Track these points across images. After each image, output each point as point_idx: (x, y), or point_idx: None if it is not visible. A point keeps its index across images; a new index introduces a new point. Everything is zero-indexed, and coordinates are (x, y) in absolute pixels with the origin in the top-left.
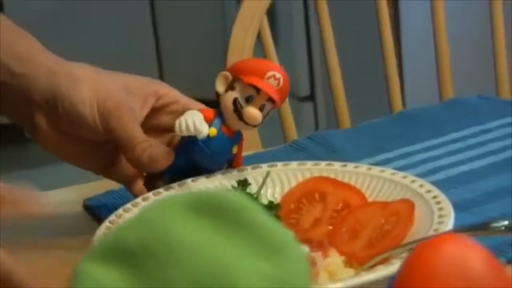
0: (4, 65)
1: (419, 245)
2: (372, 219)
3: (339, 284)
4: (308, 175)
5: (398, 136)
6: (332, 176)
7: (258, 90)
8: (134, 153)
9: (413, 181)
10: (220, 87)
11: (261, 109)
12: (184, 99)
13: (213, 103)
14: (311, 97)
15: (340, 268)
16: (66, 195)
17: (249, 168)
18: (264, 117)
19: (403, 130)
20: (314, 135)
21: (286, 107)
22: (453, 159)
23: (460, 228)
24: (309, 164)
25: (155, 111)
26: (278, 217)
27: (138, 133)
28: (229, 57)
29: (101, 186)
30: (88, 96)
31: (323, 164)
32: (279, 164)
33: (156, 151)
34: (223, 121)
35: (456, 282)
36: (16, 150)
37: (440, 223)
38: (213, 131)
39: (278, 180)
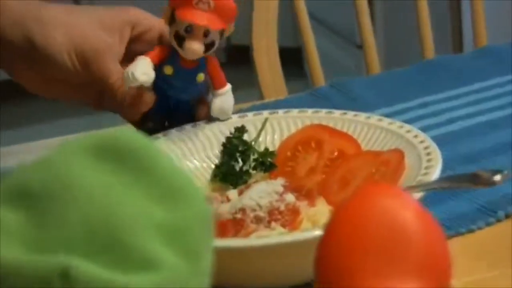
0: None
1: (352, 195)
2: (363, 168)
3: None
4: (307, 123)
5: (420, 85)
6: (331, 124)
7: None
8: (117, 95)
9: (408, 131)
10: (165, 20)
11: (206, 35)
12: (159, 24)
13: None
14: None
15: (325, 218)
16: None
17: (250, 114)
18: (211, 45)
19: (426, 79)
20: (335, 82)
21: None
22: (471, 109)
23: (442, 179)
24: (309, 111)
25: (132, 41)
26: (273, 164)
27: (119, 73)
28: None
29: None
30: (65, 44)
31: (323, 112)
32: (280, 111)
33: (136, 92)
34: (178, 55)
35: (384, 232)
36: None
37: (425, 174)
38: (168, 69)
39: (278, 127)
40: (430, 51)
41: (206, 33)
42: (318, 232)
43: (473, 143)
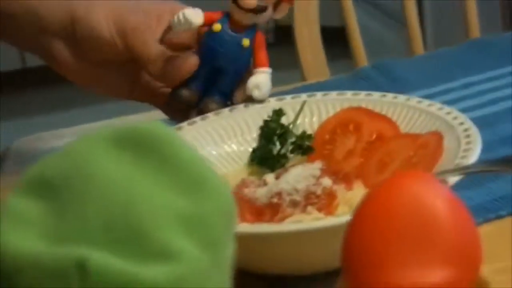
0: None
1: (382, 182)
2: (401, 151)
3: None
4: (346, 105)
5: (462, 65)
6: (370, 106)
7: None
8: (156, 66)
9: (448, 113)
10: None
11: None
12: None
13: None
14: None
15: None
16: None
17: (288, 97)
18: (263, 9)
19: (470, 59)
20: (377, 63)
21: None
22: None
23: (479, 162)
24: (348, 94)
25: (169, 29)
26: (310, 147)
27: (158, 47)
28: None
29: (141, 118)
30: (105, 18)
31: (362, 94)
32: (319, 94)
33: (179, 59)
34: (229, 18)
35: (413, 220)
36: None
37: (464, 157)
38: (217, 26)
39: (316, 110)
40: (475, 30)
41: None
42: (345, 219)
43: None
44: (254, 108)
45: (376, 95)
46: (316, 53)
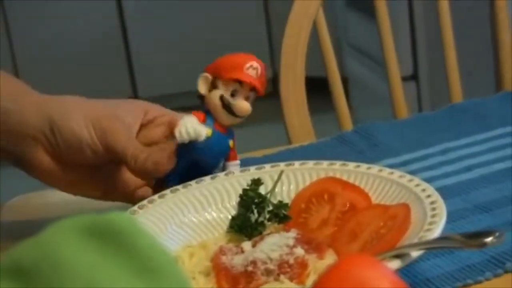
0: None
1: (329, 266)
2: (372, 221)
3: None
4: (322, 175)
5: (442, 130)
6: (345, 176)
7: (241, 83)
8: (137, 162)
9: (417, 185)
10: (202, 88)
11: (246, 99)
12: (168, 111)
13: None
14: (415, 77)
15: None
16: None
17: (267, 166)
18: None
19: (452, 123)
20: (359, 128)
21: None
22: (492, 156)
23: (438, 239)
24: (325, 164)
25: (144, 126)
26: (287, 216)
27: (136, 144)
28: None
29: None
30: (83, 120)
31: (337, 164)
32: (296, 163)
33: (158, 156)
34: (214, 120)
35: None
36: None
37: (428, 230)
38: (209, 131)
39: (293, 178)
40: (458, 95)
41: (247, 98)
42: None
43: (488, 192)
44: (234, 176)
45: (350, 165)
46: (302, 113)
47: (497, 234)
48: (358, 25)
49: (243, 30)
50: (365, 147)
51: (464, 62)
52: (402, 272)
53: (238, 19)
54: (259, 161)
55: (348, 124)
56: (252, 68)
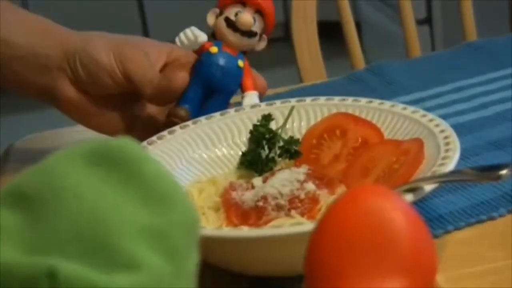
0: (20, 37)
1: (340, 195)
2: (384, 157)
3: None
4: (334, 111)
5: (457, 68)
6: (356, 112)
7: (243, 4)
8: (152, 85)
9: (430, 120)
10: (210, 19)
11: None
12: (192, 53)
13: None
14: (428, 20)
15: None
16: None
17: (277, 102)
18: (260, 33)
19: (465, 61)
20: (372, 66)
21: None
22: (506, 94)
23: (452, 172)
24: (336, 99)
25: (168, 65)
26: (298, 152)
27: (154, 72)
28: None
29: None
30: (103, 46)
31: (350, 99)
32: (308, 99)
33: (171, 72)
34: (221, 44)
35: (370, 232)
36: None
37: (442, 165)
38: (214, 49)
39: (305, 114)
40: (471, 32)
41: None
42: (307, 227)
43: (502, 129)
44: (245, 112)
45: (363, 101)
46: (314, 58)
47: (511, 167)
48: None
49: None
50: (377, 85)
51: (478, 5)
52: (415, 208)
53: None
54: (271, 99)
55: (361, 68)
56: None
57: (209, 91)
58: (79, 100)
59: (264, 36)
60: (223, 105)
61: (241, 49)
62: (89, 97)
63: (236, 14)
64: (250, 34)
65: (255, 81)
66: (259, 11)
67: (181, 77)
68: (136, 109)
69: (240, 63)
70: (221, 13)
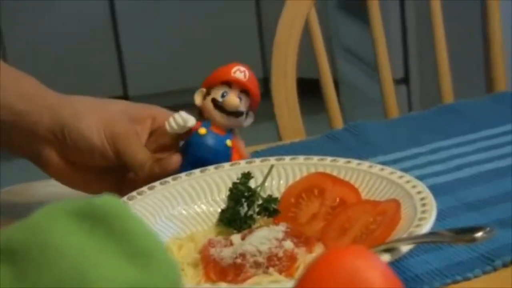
0: (8, 104)
1: (318, 256)
2: (361, 217)
3: None
4: (312, 170)
5: (433, 129)
6: (335, 172)
7: (229, 84)
8: (145, 169)
9: (408, 181)
10: (198, 100)
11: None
12: None
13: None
14: (405, 80)
15: None
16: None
17: (257, 160)
18: (246, 111)
19: (441, 123)
20: (350, 125)
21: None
22: (481, 156)
23: (428, 234)
24: (315, 159)
25: (152, 133)
26: (276, 210)
27: (145, 153)
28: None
29: None
30: (94, 124)
31: (328, 159)
32: (287, 158)
33: (165, 161)
34: (210, 124)
35: None
36: None
37: (418, 226)
38: (203, 130)
39: (284, 173)
40: (448, 98)
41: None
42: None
43: (478, 190)
44: (224, 169)
45: (341, 161)
46: (292, 110)
47: (487, 230)
48: (349, 27)
49: (234, 30)
50: (355, 145)
51: (455, 66)
52: (392, 268)
53: (229, 18)
54: (250, 157)
55: (339, 126)
56: (240, 71)
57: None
58: (65, 168)
59: (251, 112)
60: None
61: (229, 128)
62: (74, 165)
63: (223, 95)
64: (237, 114)
65: (242, 154)
66: (244, 90)
67: (175, 163)
68: (121, 173)
69: (229, 142)
70: (208, 93)
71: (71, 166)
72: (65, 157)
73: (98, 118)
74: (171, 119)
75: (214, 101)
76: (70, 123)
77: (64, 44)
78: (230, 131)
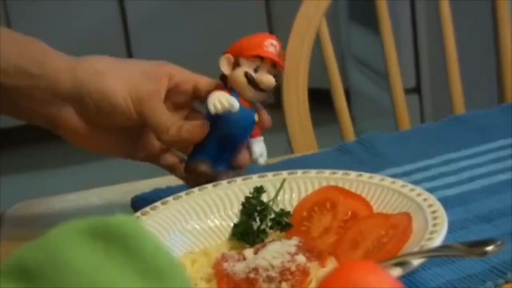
0: (22, 69)
1: (330, 271)
2: (373, 230)
3: None
4: (324, 184)
5: (444, 141)
6: (347, 185)
7: (262, 59)
8: (169, 133)
9: (419, 194)
10: (225, 68)
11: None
12: (192, 76)
13: None
14: (417, 89)
15: None
16: (114, 193)
17: (269, 174)
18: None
19: (453, 135)
20: (362, 138)
21: (398, 97)
22: (493, 167)
23: (439, 247)
24: (327, 172)
25: (169, 91)
26: (289, 224)
27: (169, 116)
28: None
29: (148, 184)
30: (118, 84)
31: (340, 173)
32: (299, 172)
33: (190, 125)
34: (238, 96)
35: None
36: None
37: (429, 239)
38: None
39: (296, 187)
40: (460, 108)
41: (268, 73)
42: None
43: (489, 202)
44: (237, 184)
45: (352, 174)
46: (304, 121)
47: (498, 242)
48: (361, 38)
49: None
50: (366, 158)
51: (466, 75)
52: (403, 281)
53: (241, 29)
54: (262, 170)
55: (350, 136)
56: (272, 45)
57: (223, 143)
58: (83, 130)
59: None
60: (233, 154)
61: (256, 102)
62: (93, 127)
63: (255, 70)
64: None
65: (262, 119)
66: (274, 65)
67: (202, 132)
68: (140, 135)
69: (256, 116)
70: (236, 62)
71: (88, 127)
72: (83, 117)
73: (121, 78)
74: (216, 101)
75: (247, 75)
76: (92, 83)
77: (76, 53)
78: (253, 105)
